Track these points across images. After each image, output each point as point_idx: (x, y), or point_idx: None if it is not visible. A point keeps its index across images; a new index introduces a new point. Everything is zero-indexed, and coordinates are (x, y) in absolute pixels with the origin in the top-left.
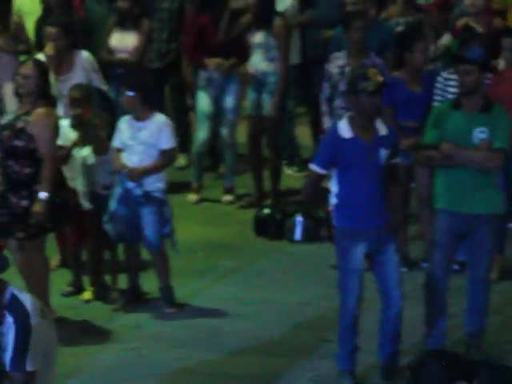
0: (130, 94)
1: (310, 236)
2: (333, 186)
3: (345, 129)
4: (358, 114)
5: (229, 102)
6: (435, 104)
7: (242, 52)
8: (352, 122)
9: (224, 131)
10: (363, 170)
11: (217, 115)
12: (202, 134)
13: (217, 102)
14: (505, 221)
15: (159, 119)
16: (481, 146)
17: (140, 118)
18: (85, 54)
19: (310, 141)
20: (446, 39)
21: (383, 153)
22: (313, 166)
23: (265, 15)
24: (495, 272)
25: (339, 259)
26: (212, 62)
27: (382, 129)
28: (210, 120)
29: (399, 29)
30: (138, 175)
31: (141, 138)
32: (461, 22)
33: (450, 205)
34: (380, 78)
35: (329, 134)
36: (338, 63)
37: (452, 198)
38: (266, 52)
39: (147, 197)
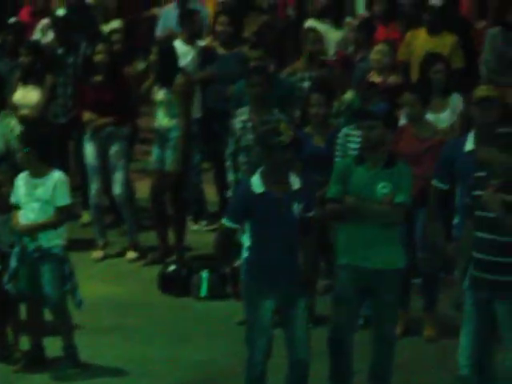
0: (26, 150)
1: (217, 292)
2: (245, 240)
3: (257, 183)
4: (270, 169)
5: (113, 158)
6: (336, 159)
7: (127, 109)
8: (264, 177)
9: (116, 189)
10: (276, 225)
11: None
12: (93, 186)
13: (103, 156)
14: (407, 276)
15: (56, 176)
16: (383, 201)
17: (36, 174)
18: None
19: (216, 196)
20: (349, 95)
21: (296, 207)
22: (224, 221)
23: (166, 73)
24: (399, 327)
25: (247, 314)
26: (85, 116)
27: (296, 182)
28: (99, 173)
29: (304, 84)
30: (31, 231)
31: (36, 195)
32: (365, 78)
33: (353, 260)
34: (291, 132)
35: (241, 188)
36: (241, 118)
37: (354, 253)
38: (168, 108)
39: (46, 254)
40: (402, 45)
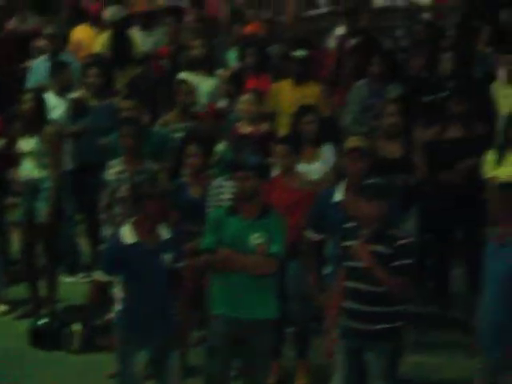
0: None
1: (89, 345)
2: (118, 292)
3: (128, 234)
4: (142, 219)
5: None
6: (210, 210)
7: None
8: (135, 227)
9: None
10: (148, 276)
11: None
12: None
13: None
14: (280, 326)
15: None
16: (257, 252)
17: None
18: None
19: (89, 248)
20: (221, 146)
21: (167, 257)
22: (97, 273)
23: (37, 122)
24: (272, 377)
25: (119, 367)
26: None
27: (166, 233)
28: None
29: (176, 135)
30: None
31: None
32: (236, 128)
33: (227, 310)
34: (162, 183)
35: (112, 240)
36: (114, 170)
37: (228, 304)
38: (38, 159)
39: None
40: (269, 96)
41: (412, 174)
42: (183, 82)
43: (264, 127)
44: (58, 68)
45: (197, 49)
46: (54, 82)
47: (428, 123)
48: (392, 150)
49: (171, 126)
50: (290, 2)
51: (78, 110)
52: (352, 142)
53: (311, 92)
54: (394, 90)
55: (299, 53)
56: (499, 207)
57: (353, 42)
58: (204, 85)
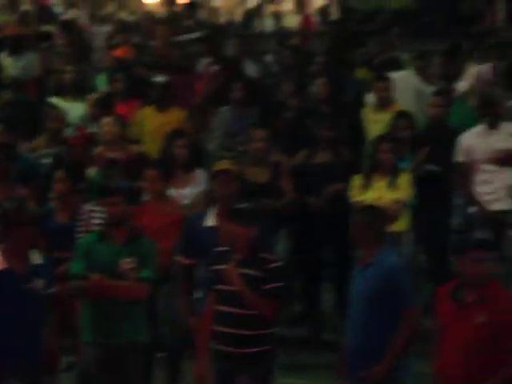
0: None
1: None
2: None
3: None
4: (11, 246)
5: None
6: (80, 235)
7: None
8: (5, 254)
9: None
10: (18, 302)
11: None
12: None
13: None
14: (152, 350)
15: None
16: (127, 277)
17: None
18: None
19: None
20: (91, 171)
21: (38, 282)
22: None
23: None
24: None
25: None
26: None
27: (37, 259)
28: None
29: (45, 160)
30: None
31: None
32: (97, 151)
33: (97, 336)
34: (30, 209)
35: None
36: None
37: (99, 329)
38: None
39: None
40: (134, 122)
41: (280, 198)
42: (52, 107)
43: (133, 150)
44: None
45: (67, 74)
46: None
47: (296, 148)
48: (259, 174)
49: (39, 151)
50: (160, 27)
51: None
52: (220, 165)
53: (174, 117)
54: (257, 116)
55: (159, 78)
56: (358, 230)
57: (215, 68)
58: (75, 110)
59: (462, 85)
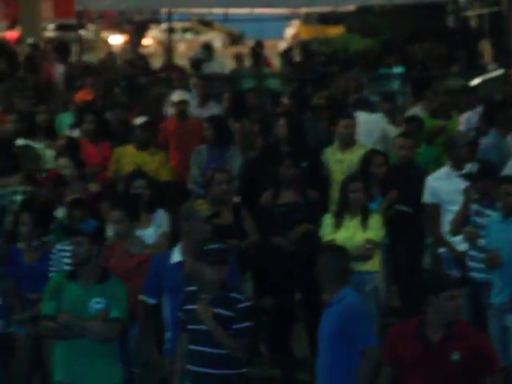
0: None
1: None
2: None
3: None
4: None
5: None
6: (51, 275)
7: None
8: None
9: None
10: None
11: None
12: None
13: None
14: None
15: None
16: (97, 317)
17: None
18: None
19: None
20: (60, 212)
21: None
22: None
23: None
24: None
25: None
26: None
27: None
28: None
29: (16, 198)
30: None
31: None
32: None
33: (69, 376)
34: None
35: None
36: None
37: (70, 370)
38: None
39: None
40: (111, 161)
41: (243, 239)
42: (28, 147)
43: (93, 188)
44: None
45: (40, 115)
46: None
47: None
48: (224, 216)
49: (12, 188)
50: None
51: None
52: (203, 206)
53: (154, 158)
54: (234, 156)
55: (140, 119)
56: (322, 271)
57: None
58: (47, 151)
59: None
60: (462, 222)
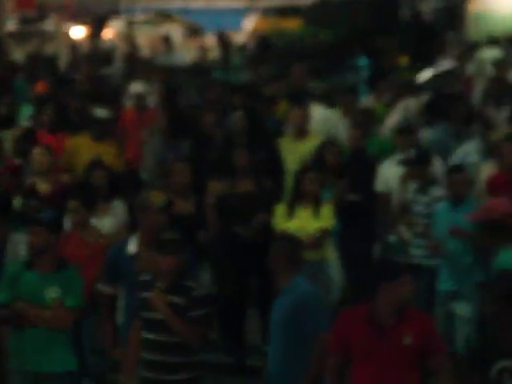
0: None
1: None
2: None
3: None
4: None
5: None
6: (7, 264)
7: None
8: None
9: None
10: None
11: None
12: None
13: None
14: (78, 378)
15: None
16: (53, 306)
17: None
18: None
19: None
20: (18, 200)
21: None
22: None
23: None
24: None
25: None
26: None
27: None
28: None
29: None
30: None
31: None
32: (29, 182)
33: (23, 364)
34: None
35: None
36: None
37: (25, 357)
38: None
39: None
40: (63, 152)
41: (204, 228)
42: None
43: (62, 180)
44: None
45: (1, 106)
46: None
47: (219, 178)
48: (183, 206)
49: None
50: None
51: None
52: (158, 196)
53: (108, 148)
54: (185, 147)
55: (101, 112)
56: (275, 259)
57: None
58: (7, 141)
59: (391, 120)
60: (402, 210)
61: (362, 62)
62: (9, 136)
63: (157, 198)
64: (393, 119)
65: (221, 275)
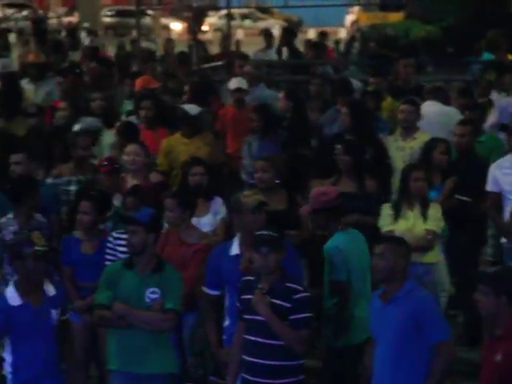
0: None
1: None
2: (6, 355)
3: (12, 296)
4: (23, 280)
5: None
6: (107, 263)
7: None
8: (19, 288)
9: None
10: (36, 334)
11: None
12: None
13: None
14: (179, 380)
15: None
16: (153, 307)
17: None
18: None
19: None
20: (117, 200)
21: (54, 313)
22: None
23: None
24: None
25: None
26: None
27: (51, 289)
28: None
29: (71, 187)
30: None
31: None
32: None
33: (123, 366)
34: (43, 241)
35: None
36: (10, 229)
37: (124, 359)
38: None
39: None
40: (159, 154)
41: (298, 226)
42: (79, 134)
43: (155, 178)
44: None
45: (95, 101)
46: None
47: (322, 177)
48: (274, 203)
49: (65, 178)
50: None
51: None
52: (249, 197)
53: (201, 146)
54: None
55: (193, 109)
56: (384, 264)
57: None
58: (105, 137)
59: (491, 118)
60: None
61: (486, 56)
62: (110, 133)
63: (250, 197)
64: (492, 117)
65: (316, 279)
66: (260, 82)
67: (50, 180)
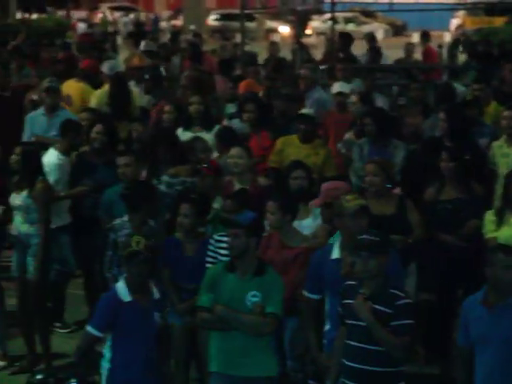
0: None
1: None
2: (106, 351)
3: (123, 292)
4: (133, 278)
5: None
6: (208, 266)
7: None
8: (129, 286)
9: None
10: (140, 333)
11: None
12: None
13: None
14: None
15: None
16: (254, 311)
17: None
18: None
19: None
20: (217, 202)
21: (157, 315)
22: (89, 329)
23: (27, 177)
24: None
25: None
26: None
27: (156, 292)
28: None
29: (178, 188)
30: None
31: None
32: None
33: (223, 368)
34: (142, 245)
35: (108, 296)
36: (124, 232)
37: (225, 362)
38: (27, 214)
39: None
40: (272, 151)
41: (408, 232)
42: (198, 139)
43: (262, 182)
44: (70, 127)
45: (194, 105)
46: (63, 140)
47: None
48: (382, 207)
49: (181, 178)
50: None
51: (82, 167)
52: (353, 201)
53: (318, 151)
54: (397, 148)
55: (308, 111)
56: (497, 273)
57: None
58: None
59: None
60: None
61: None
62: (208, 135)
63: (352, 201)
64: None
65: (426, 285)
66: (316, 85)
67: (166, 178)
